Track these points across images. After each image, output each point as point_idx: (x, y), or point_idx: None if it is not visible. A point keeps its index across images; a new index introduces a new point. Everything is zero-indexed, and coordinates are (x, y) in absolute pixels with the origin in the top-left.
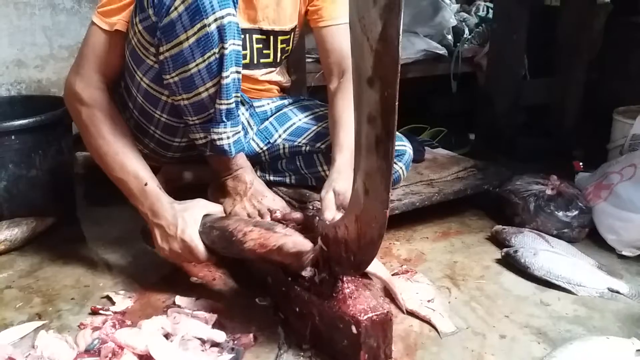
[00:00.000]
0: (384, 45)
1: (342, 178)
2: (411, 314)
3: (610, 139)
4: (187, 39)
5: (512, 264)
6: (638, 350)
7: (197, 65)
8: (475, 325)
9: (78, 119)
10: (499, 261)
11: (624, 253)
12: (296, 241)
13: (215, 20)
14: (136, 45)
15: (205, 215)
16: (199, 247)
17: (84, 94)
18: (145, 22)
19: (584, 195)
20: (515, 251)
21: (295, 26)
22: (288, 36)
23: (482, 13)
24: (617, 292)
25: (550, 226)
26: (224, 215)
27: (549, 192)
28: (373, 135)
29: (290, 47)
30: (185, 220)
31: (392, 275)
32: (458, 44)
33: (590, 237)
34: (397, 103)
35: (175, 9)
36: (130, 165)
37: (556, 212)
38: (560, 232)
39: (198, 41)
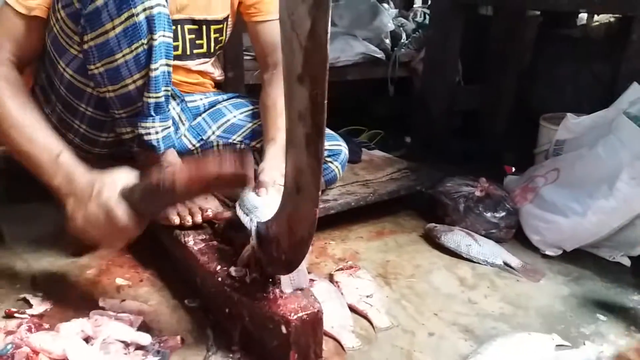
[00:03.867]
0: (313, 43)
1: (269, 167)
2: (350, 308)
3: (537, 144)
4: (114, 28)
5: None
6: (558, 346)
7: (124, 55)
8: (405, 323)
9: None
10: (429, 260)
11: (547, 253)
12: (231, 162)
13: (144, 10)
14: (58, 33)
15: None
16: (118, 208)
17: None
18: (69, 9)
19: (511, 197)
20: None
21: (228, 15)
22: (221, 25)
23: (419, 19)
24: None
25: (478, 226)
26: None
27: (477, 193)
28: (303, 134)
29: (224, 37)
30: (103, 181)
31: (337, 270)
32: (395, 49)
33: (516, 238)
34: (326, 101)
35: None
36: (41, 137)
37: (484, 213)
38: (488, 232)
39: (125, 31)
